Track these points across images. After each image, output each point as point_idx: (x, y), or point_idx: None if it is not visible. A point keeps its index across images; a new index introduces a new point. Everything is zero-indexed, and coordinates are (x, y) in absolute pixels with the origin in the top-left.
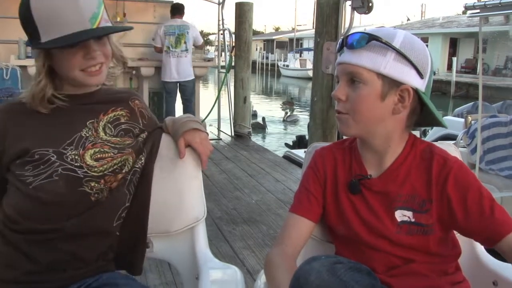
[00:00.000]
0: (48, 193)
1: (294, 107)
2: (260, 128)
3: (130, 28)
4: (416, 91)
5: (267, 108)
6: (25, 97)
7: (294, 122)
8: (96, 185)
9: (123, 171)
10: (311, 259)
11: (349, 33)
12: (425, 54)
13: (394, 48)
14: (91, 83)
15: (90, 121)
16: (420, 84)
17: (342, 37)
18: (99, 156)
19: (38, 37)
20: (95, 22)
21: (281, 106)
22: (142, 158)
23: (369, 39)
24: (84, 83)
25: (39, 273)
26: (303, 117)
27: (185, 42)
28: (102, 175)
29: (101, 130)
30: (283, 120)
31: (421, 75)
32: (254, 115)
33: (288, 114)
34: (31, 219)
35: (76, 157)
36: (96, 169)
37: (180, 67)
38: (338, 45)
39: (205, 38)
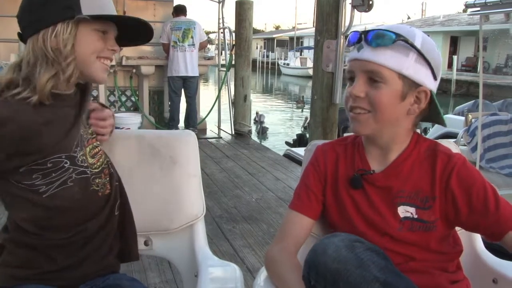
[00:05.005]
0: (65, 200)
1: (304, 105)
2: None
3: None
4: (431, 92)
5: (267, 106)
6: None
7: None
8: (100, 180)
9: (109, 162)
10: (331, 235)
11: (367, 29)
12: (439, 55)
13: (417, 49)
14: (104, 77)
15: (80, 117)
16: (434, 86)
17: (360, 31)
18: (93, 152)
19: (77, 10)
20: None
21: (295, 105)
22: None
23: (396, 39)
24: (98, 75)
25: (54, 272)
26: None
27: (192, 37)
28: (101, 169)
29: (85, 124)
30: (255, 121)
31: (435, 76)
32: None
33: (260, 114)
34: (52, 230)
35: (83, 158)
36: (95, 165)
37: (187, 62)
38: (354, 39)
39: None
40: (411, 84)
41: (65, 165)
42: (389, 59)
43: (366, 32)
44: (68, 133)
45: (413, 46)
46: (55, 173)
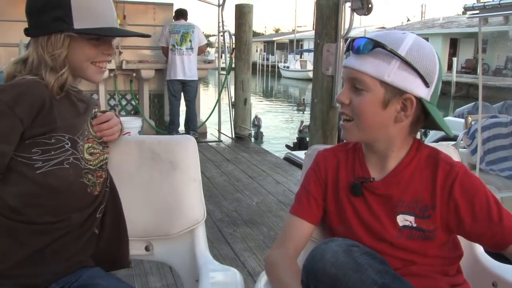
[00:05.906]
0: (58, 179)
1: (305, 108)
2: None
3: (148, 36)
4: (420, 100)
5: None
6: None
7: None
8: (92, 178)
9: (104, 167)
10: (328, 240)
11: (356, 37)
12: (433, 61)
13: (399, 56)
14: (99, 79)
15: (88, 111)
16: (425, 93)
17: (349, 39)
18: (92, 151)
19: (69, 23)
20: (117, 23)
21: (296, 108)
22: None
23: (374, 46)
24: (93, 78)
25: (21, 267)
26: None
27: (190, 41)
28: (94, 169)
29: (90, 125)
30: (253, 125)
31: (426, 83)
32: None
33: (258, 117)
34: (39, 210)
35: (82, 148)
36: (91, 162)
37: (185, 66)
38: (345, 47)
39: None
40: (395, 91)
41: (66, 145)
42: (369, 66)
43: (352, 40)
44: (76, 118)
45: (393, 53)
46: (54, 151)
